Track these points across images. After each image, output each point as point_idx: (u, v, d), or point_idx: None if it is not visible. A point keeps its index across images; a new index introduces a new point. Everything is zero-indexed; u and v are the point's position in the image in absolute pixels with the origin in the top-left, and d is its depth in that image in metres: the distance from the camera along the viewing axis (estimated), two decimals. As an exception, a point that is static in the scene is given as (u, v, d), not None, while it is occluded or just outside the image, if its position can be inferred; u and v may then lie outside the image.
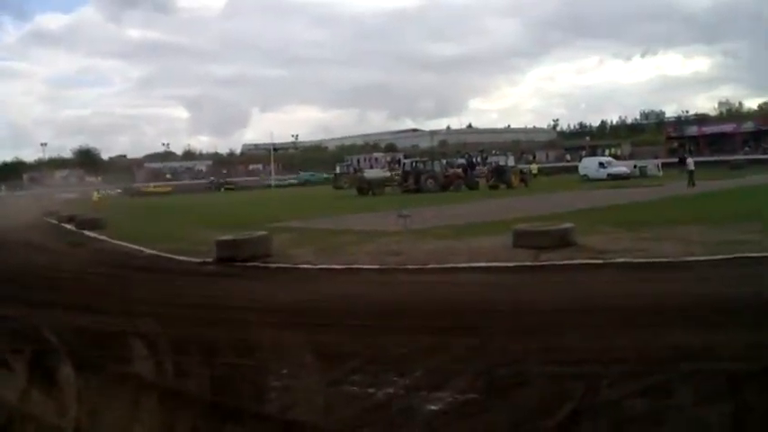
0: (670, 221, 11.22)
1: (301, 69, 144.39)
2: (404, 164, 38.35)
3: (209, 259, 9.57)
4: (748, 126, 66.16)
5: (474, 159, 40.64)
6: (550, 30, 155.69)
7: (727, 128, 68.47)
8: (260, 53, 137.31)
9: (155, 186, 60.83)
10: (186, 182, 65.86)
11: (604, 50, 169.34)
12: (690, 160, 29.07)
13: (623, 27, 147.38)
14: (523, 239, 8.91)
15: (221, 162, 79.22)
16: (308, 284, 7.53)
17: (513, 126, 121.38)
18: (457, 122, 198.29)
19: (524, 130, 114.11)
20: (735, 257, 7.15)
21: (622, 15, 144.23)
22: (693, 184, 24.32)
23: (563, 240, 8.72)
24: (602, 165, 40.78)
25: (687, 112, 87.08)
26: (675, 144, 73.52)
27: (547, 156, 76.00)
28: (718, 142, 67.61)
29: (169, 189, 59.87)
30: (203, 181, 65.46)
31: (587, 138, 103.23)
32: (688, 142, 69.61)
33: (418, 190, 31.23)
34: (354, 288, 7.16)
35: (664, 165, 45.32)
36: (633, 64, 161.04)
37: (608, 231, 10.36)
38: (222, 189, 59.75)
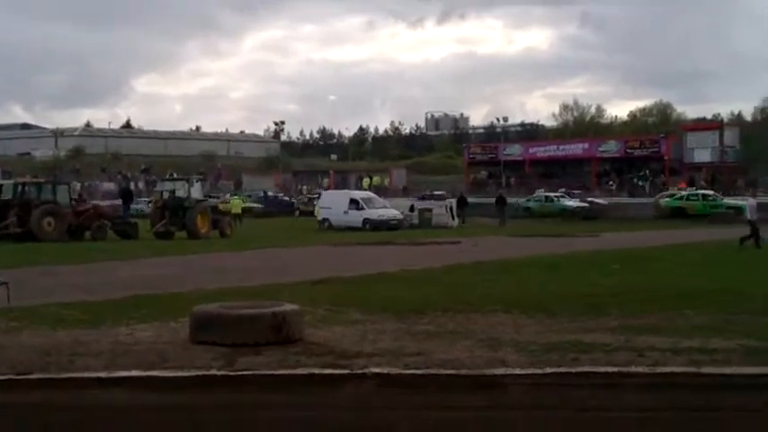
0: (467, 305, 12.24)
1: None
2: (-1, 187, 36.94)
3: None
4: (609, 148, 76.71)
5: (131, 185, 40.62)
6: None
7: (575, 149, 78.79)
8: None
9: None
10: None
11: (376, 6, 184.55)
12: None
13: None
14: (209, 330, 9.05)
15: None
16: None
17: (206, 129, 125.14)
18: (107, 117, 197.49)
19: (225, 137, 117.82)
20: (570, 372, 7.82)
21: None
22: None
23: (279, 333, 9.00)
24: (355, 204, 43.62)
25: (506, 119, 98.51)
26: (484, 173, 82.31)
27: (241, 186, 77.61)
28: (557, 173, 77.31)
29: None
30: None
31: (333, 156, 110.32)
32: (506, 171, 78.26)
33: (27, 235, 30.52)
34: None
35: (469, 207, 50.44)
36: (423, 33, 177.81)
37: (360, 319, 10.98)
38: None
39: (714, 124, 78.35)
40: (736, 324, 10.26)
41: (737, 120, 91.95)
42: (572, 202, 56.67)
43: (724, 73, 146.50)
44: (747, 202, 29.00)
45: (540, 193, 61.89)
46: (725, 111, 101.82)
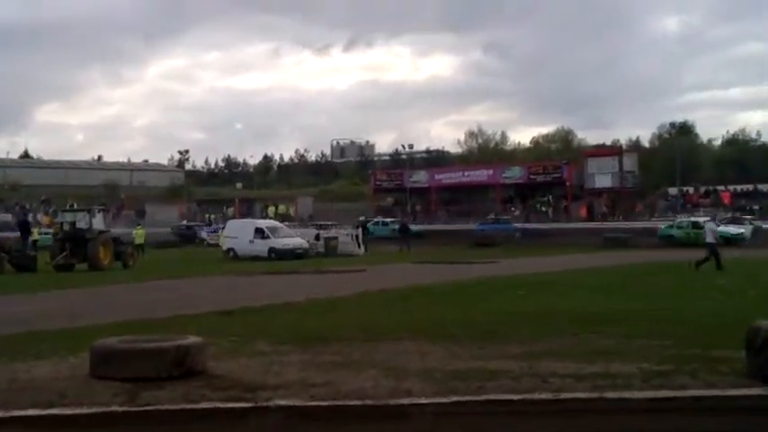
0: (373, 334, 12.21)
1: None
2: None
3: None
4: (513, 174, 77.55)
5: (30, 216, 39.92)
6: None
7: (480, 175, 79.80)
8: None
9: None
10: None
11: (282, 32, 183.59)
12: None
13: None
14: (110, 364, 8.83)
15: None
16: None
17: (108, 159, 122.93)
18: (5, 147, 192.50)
19: (128, 167, 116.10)
20: (475, 400, 7.83)
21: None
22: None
23: (183, 366, 8.84)
24: (261, 233, 43.36)
25: (411, 146, 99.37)
26: (390, 200, 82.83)
27: (144, 216, 76.39)
28: (461, 199, 78.06)
29: None
30: None
31: (238, 185, 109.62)
32: (411, 198, 78.73)
33: None
34: None
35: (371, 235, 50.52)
36: (330, 60, 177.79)
37: (266, 350, 10.87)
38: None
39: (614, 150, 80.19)
40: (636, 348, 10.48)
41: (635, 146, 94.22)
42: (728, 228, 47.33)
43: (623, 99, 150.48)
44: (707, 226, 29.50)
45: (684, 218, 55.06)
46: (624, 136, 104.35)
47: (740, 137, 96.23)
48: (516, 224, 62.80)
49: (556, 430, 6.97)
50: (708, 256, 26.27)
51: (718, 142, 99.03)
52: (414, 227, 57.96)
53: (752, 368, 8.30)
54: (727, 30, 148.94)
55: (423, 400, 7.87)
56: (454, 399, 7.87)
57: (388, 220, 65.44)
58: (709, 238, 27.00)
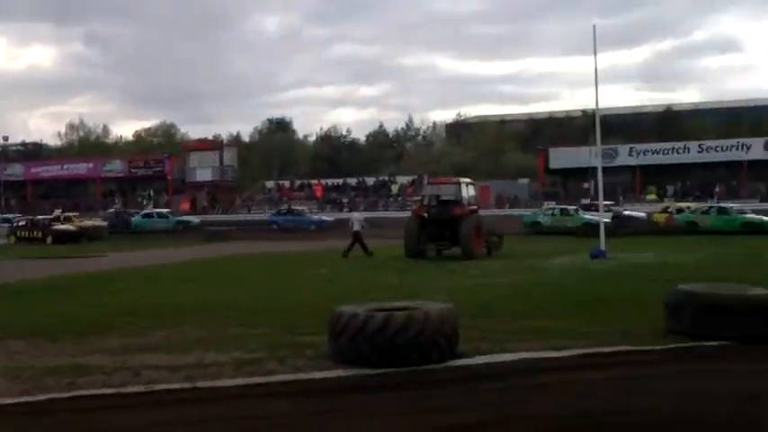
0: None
1: None
2: None
3: None
4: (114, 168, 76.26)
5: None
6: None
7: (79, 169, 78.49)
8: None
9: None
10: None
11: None
12: None
13: None
14: None
15: None
16: None
17: None
18: None
19: None
20: (63, 397, 7.69)
21: None
22: None
23: None
24: None
25: (7, 138, 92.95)
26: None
27: None
28: (59, 193, 75.10)
29: None
30: None
31: None
32: (6, 192, 74.47)
33: None
34: None
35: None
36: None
37: None
38: None
39: (215, 144, 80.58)
40: (230, 337, 10.72)
41: (236, 141, 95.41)
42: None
43: (226, 95, 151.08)
44: (352, 216, 31.20)
45: (551, 204, 52.18)
46: (226, 132, 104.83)
47: (332, 133, 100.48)
48: (313, 217, 59.07)
49: (148, 422, 6.96)
50: (353, 243, 27.96)
51: (313, 138, 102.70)
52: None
53: (333, 352, 8.82)
54: (322, 31, 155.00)
55: (9, 401, 7.60)
56: (42, 397, 7.64)
57: (164, 210, 60.66)
58: (356, 227, 28.61)
